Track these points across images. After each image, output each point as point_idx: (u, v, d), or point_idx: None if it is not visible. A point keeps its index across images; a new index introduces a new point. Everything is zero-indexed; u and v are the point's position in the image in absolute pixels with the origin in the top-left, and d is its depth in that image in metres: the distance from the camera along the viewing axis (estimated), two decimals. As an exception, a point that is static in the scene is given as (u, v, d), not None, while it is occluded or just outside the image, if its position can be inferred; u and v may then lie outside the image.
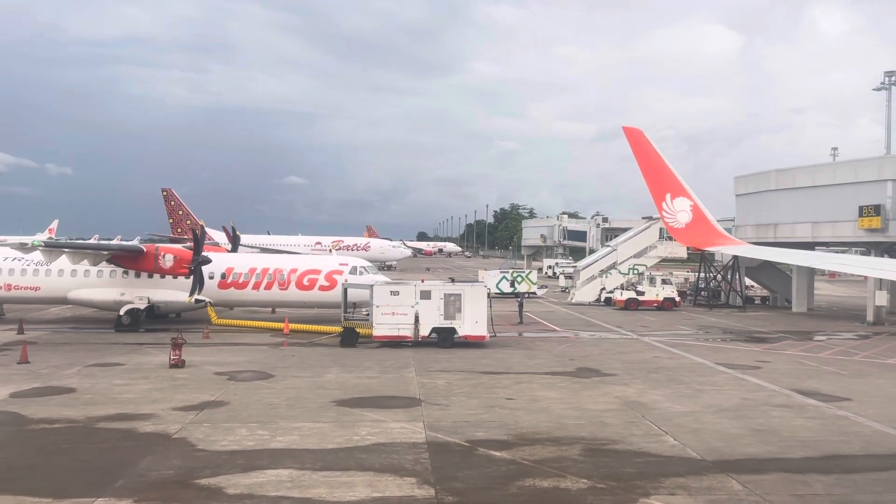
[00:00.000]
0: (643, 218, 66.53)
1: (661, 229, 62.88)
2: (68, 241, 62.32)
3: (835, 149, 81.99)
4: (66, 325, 43.65)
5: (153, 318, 43.25)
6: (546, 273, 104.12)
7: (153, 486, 15.56)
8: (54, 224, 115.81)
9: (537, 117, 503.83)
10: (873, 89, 71.35)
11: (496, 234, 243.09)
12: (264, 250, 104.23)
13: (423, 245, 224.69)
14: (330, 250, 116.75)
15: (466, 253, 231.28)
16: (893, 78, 70.04)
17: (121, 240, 74.40)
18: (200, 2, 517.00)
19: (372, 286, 36.43)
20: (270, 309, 48.74)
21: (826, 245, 57.57)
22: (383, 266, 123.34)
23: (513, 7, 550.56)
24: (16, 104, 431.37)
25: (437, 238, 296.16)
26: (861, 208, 49.08)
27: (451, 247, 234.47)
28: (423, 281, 39.36)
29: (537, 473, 16.85)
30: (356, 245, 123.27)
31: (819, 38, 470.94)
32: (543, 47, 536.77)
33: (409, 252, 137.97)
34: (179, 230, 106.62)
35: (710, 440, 19.91)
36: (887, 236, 48.22)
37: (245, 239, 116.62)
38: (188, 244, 42.72)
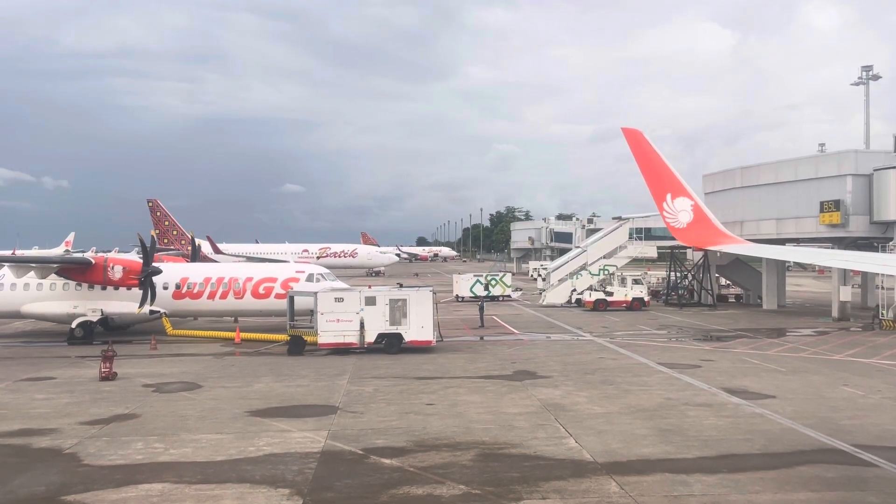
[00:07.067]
0: (613, 218, 66.20)
1: (630, 230, 62.74)
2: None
3: (822, 144, 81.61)
4: (21, 338, 43.63)
5: (111, 331, 43.13)
6: (532, 276, 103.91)
7: (17, 502, 15.40)
8: (70, 237, 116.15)
9: (533, 120, 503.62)
10: (851, 84, 71.08)
11: (492, 238, 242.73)
12: (250, 259, 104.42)
13: (418, 250, 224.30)
14: (317, 257, 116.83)
15: (463, 258, 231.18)
16: (870, 73, 69.95)
17: (118, 251, 73.99)
18: (193, 12, 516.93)
19: (315, 293, 36.25)
20: (233, 318, 48.51)
21: (796, 241, 57.34)
22: (372, 272, 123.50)
23: (505, 11, 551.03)
24: (11, 117, 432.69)
25: (436, 243, 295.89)
26: (822, 204, 48.92)
27: (446, 251, 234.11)
28: (369, 287, 39.18)
29: (418, 481, 16.65)
30: (343, 252, 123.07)
31: (812, 33, 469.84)
32: (537, 50, 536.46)
33: (395, 258, 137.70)
34: (166, 241, 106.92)
35: (611, 442, 19.70)
36: (848, 231, 48.02)
37: (232, 248, 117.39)
38: (135, 255, 42.62)
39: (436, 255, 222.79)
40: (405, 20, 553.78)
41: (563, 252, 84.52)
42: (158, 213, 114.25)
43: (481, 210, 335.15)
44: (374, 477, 16.97)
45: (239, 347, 38.51)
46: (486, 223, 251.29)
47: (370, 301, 35.66)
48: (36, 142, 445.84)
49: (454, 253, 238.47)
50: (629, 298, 57.95)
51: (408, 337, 35.67)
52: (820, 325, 47.65)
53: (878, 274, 46.02)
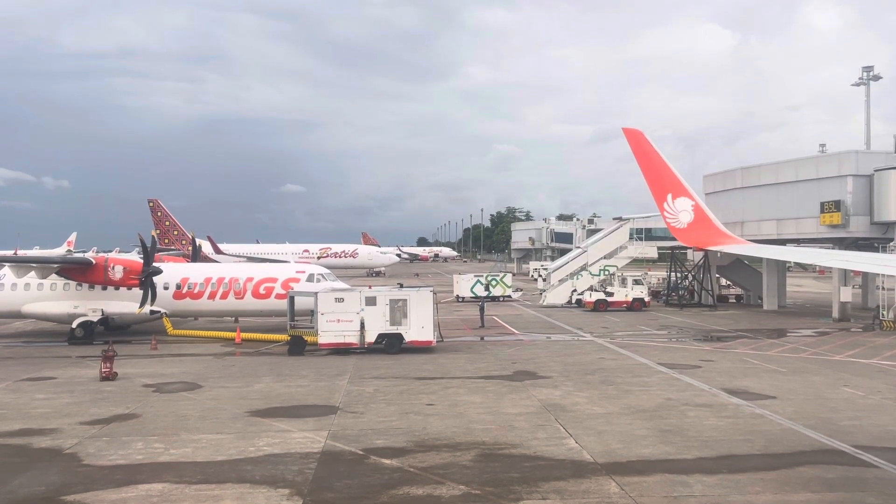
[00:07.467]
0: (614, 219, 66.20)
1: (630, 230, 62.71)
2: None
3: (823, 145, 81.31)
4: (21, 338, 43.64)
5: (111, 331, 43.11)
6: (532, 276, 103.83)
7: (17, 502, 15.40)
8: (72, 237, 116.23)
9: (534, 120, 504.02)
10: (851, 84, 70.89)
11: (493, 238, 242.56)
12: (251, 259, 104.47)
13: (419, 251, 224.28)
14: (318, 258, 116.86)
15: (464, 258, 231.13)
16: (871, 73, 69.83)
17: (119, 252, 73.88)
18: (193, 13, 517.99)
19: (316, 294, 36.24)
20: (233, 318, 48.47)
21: (797, 241, 57.34)
22: (372, 272, 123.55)
23: (505, 11, 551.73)
24: (11, 117, 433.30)
25: (437, 243, 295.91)
26: (822, 204, 48.90)
27: (447, 251, 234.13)
28: (370, 287, 39.19)
29: (418, 481, 16.64)
30: (344, 252, 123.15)
31: (813, 34, 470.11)
32: (537, 50, 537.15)
33: (396, 258, 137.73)
34: (167, 241, 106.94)
35: (611, 442, 19.69)
36: (848, 232, 48.01)
37: (233, 248, 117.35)
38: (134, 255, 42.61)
39: (436, 255, 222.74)
40: (405, 20, 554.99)
41: (563, 252, 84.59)
42: (159, 213, 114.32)
43: (482, 210, 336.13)
44: (374, 477, 16.96)
45: (239, 347, 38.54)
46: (487, 223, 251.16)
47: (370, 301, 35.64)
48: (36, 142, 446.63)
49: (455, 253, 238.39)
50: (629, 299, 57.93)
51: (408, 337, 35.66)
52: (820, 326, 47.64)
53: (878, 274, 46.05)
